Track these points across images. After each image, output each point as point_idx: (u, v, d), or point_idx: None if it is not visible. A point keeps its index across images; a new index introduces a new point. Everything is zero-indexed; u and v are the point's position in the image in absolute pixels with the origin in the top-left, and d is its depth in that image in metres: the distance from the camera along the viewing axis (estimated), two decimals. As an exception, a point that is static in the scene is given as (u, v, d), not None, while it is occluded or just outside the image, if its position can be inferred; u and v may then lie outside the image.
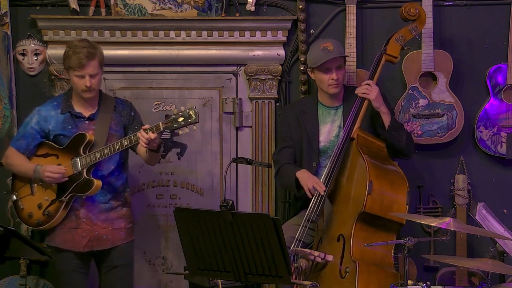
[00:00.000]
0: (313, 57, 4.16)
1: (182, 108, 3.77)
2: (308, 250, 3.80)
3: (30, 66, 4.63)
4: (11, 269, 4.52)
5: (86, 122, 3.99)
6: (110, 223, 4.01)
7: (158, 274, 4.65)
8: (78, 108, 4.01)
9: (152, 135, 3.75)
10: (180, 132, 3.80)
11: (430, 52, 4.45)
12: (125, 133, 4.01)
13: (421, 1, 4.42)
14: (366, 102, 4.08)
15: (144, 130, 3.78)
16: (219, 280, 3.69)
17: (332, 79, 4.10)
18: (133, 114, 4.08)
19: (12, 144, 4.07)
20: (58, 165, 3.94)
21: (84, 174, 3.90)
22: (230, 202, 3.17)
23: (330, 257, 3.77)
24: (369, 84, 4.08)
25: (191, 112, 3.72)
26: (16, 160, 4.03)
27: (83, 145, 3.91)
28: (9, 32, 4.58)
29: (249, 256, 3.19)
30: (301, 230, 3.91)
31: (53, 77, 4.59)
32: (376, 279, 3.71)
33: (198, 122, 3.75)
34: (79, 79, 3.89)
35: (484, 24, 4.60)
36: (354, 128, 4.02)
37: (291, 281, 3.28)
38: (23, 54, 4.62)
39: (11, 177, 4.14)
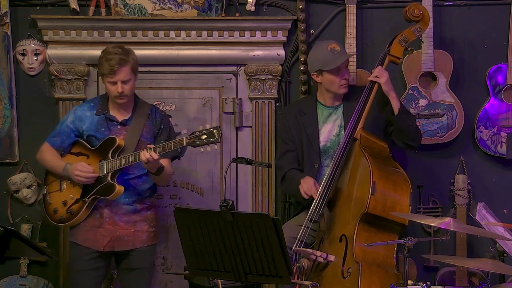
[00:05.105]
0: (322, 60, 4.11)
1: (207, 126, 3.81)
2: (310, 250, 3.80)
3: (30, 66, 4.63)
4: (11, 269, 4.51)
5: (119, 126, 4.00)
6: (132, 224, 4.00)
7: (158, 274, 4.64)
8: (113, 112, 4.02)
9: (155, 155, 3.77)
10: (202, 149, 3.82)
11: (430, 52, 4.45)
12: (154, 143, 3.97)
13: (421, 1, 4.42)
14: (369, 101, 4.06)
15: (148, 149, 3.79)
16: (219, 280, 3.69)
17: (344, 79, 4.10)
18: (162, 126, 4.06)
19: (48, 140, 4.09)
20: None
21: (109, 178, 3.90)
22: (230, 202, 3.17)
23: (332, 257, 3.77)
24: (380, 69, 4.10)
25: (214, 132, 3.77)
26: (49, 156, 4.06)
27: (112, 149, 3.91)
28: (9, 32, 4.58)
29: (249, 256, 3.19)
30: (303, 231, 3.90)
31: (53, 77, 4.59)
32: (378, 280, 3.70)
33: (219, 142, 3.81)
34: (111, 85, 3.91)
35: (484, 24, 4.60)
36: (357, 129, 4.01)
37: (291, 281, 3.28)
38: (23, 54, 4.62)
39: (45, 171, 4.15)
